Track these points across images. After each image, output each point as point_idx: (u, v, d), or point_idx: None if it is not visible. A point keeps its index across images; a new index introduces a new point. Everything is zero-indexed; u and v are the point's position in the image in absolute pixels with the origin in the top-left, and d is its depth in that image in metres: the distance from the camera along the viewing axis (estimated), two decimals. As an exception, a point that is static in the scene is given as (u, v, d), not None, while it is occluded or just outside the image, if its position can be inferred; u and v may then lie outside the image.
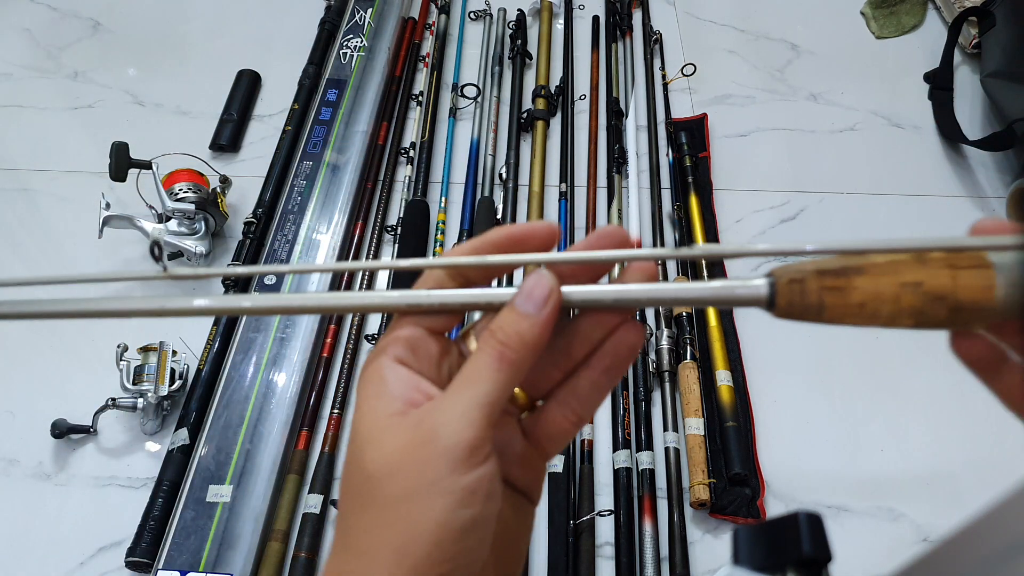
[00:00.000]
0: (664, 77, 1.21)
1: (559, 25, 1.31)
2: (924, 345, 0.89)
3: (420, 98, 1.17)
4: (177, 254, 0.93)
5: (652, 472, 0.80)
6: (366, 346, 0.91)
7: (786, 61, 1.28)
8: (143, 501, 0.77)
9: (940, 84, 1.20)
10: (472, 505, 0.27)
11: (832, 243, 0.27)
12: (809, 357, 0.91)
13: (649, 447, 0.82)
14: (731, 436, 0.82)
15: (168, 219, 0.92)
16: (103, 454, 0.82)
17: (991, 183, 1.11)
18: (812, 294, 0.27)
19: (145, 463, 0.82)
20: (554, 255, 0.30)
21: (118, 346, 0.83)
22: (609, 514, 0.78)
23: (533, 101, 1.16)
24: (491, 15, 1.30)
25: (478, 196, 1.05)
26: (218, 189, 0.96)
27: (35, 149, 1.10)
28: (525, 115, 1.14)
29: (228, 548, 0.72)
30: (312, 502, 0.77)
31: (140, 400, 0.81)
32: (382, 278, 0.98)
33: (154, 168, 0.94)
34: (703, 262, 0.94)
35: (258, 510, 0.75)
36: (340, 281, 0.95)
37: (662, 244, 1.01)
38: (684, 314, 0.90)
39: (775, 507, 0.80)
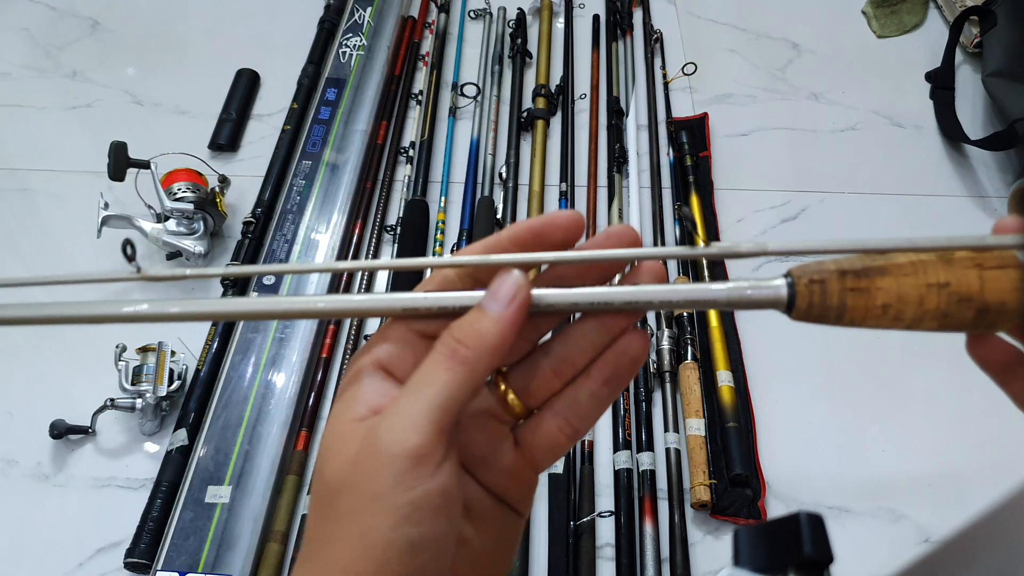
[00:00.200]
0: (665, 76, 1.21)
1: (559, 24, 1.30)
2: (926, 345, 0.89)
3: (420, 97, 1.17)
4: (176, 254, 0.93)
5: (653, 473, 0.80)
6: (368, 337, 0.90)
7: (787, 60, 1.28)
8: (142, 502, 0.77)
9: (941, 83, 1.20)
10: (420, 523, 0.25)
11: (852, 242, 0.26)
12: (810, 358, 0.91)
13: (650, 448, 0.81)
14: (732, 437, 0.82)
15: (167, 219, 0.92)
16: (102, 455, 0.82)
17: (993, 183, 1.11)
18: (834, 295, 0.26)
19: (144, 464, 0.81)
20: (562, 254, 0.28)
21: (117, 346, 0.83)
22: (610, 515, 0.77)
23: (533, 100, 1.16)
24: (491, 14, 1.29)
25: (478, 196, 1.04)
26: (217, 189, 0.96)
27: (33, 149, 1.10)
28: (525, 114, 1.14)
29: (227, 549, 0.72)
30: (311, 503, 0.77)
31: (139, 401, 0.81)
32: (382, 277, 0.97)
33: (153, 168, 0.93)
34: (704, 262, 0.94)
35: (257, 511, 0.75)
36: (339, 281, 0.95)
37: (663, 244, 1.01)
38: (685, 314, 0.90)
39: (776, 508, 0.80)
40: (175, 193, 0.92)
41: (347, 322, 0.92)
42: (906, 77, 1.25)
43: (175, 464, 0.78)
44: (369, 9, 1.24)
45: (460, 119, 1.15)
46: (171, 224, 0.92)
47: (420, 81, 1.21)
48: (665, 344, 0.88)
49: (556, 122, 1.15)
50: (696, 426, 0.82)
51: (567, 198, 1.04)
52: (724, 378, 0.86)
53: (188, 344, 0.87)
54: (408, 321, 0.29)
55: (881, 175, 1.12)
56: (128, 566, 0.73)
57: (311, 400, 0.85)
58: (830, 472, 0.83)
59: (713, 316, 0.92)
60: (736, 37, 1.31)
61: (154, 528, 0.74)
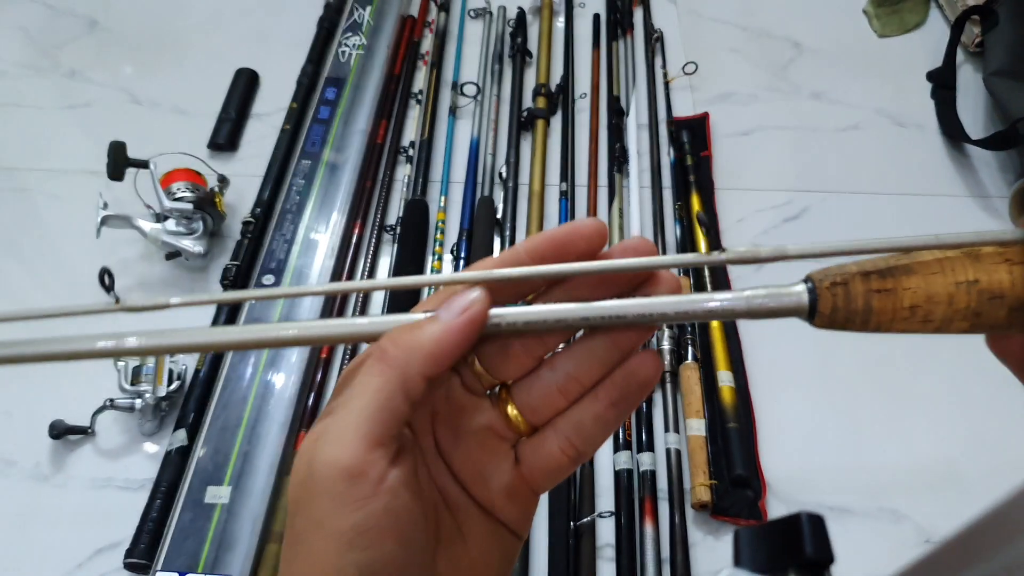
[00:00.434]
0: (665, 75, 1.21)
1: (559, 23, 1.30)
2: (927, 346, 0.89)
3: (419, 96, 1.17)
4: (175, 254, 0.93)
5: (653, 473, 0.79)
6: (364, 347, 0.90)
7: (788, 59, 1.27)
8: (141, 502, 0.76)
9: (943, 83, 1.20)
10: (367, 548, 0.24)
11: (873, 241, 0.25)
12: (811, 358, 0.91)
13: (650, 448, 0.81)
14: (733, 437, 0.81)
15: (166, 218, 0.92)
16: (101, 455, 0.82)
17: (994, 182, 1.11)
18: (858, 298, 0.24)
19: (143, 464, 0.81)
20: (573, 266, 0.26)
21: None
22: (610, 515, 0.77)
23: (533, 99, 1.15)
24: (491, 13, 1.29)
25: (478, 195, 1.04)
26: (216, 188, 0.96)
27: (31, 148, 1.10)
28: (525, 114, 1.14)
29: (226, 550, 0.72)
30: (310, 503, 0.76)
31: (138, 401, 0.81)
32: (382, 277, 0.97)
33: (152, 167, 0.93)
34: (706, 269, 0.94)
35: (256, 511, 0.74)
36: (339, 281, 0.95)
37: (664, 245, 1.00)
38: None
39: (777, 509, 0.80)
40: (174, 193, 0.92)
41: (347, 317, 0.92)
42: (907, 76, 1.24)
43: (174, 464, 0.78)
44: (368, 8, 1.23)
45: (460, 118, 1.15)
46: (170, 224, 0.92)
47: (420, 80, 1.21)
48: (666, 344, 0.87)
49: (556, 121, 1.15)
50: (697, 426, 0.82)
51: (567, 198, 1.04)
52: (725, 378, 0.86)
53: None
54: None
55: (882, 175, 1.12)
56: (127, 566, 0.73)
57: (310, 401, 0.85)
58: (831, 472, 0.83)
59: (714, 316, 0.91)
60: (737, 36, 1.31)
61: (153, 528, 0.74)
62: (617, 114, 1.14)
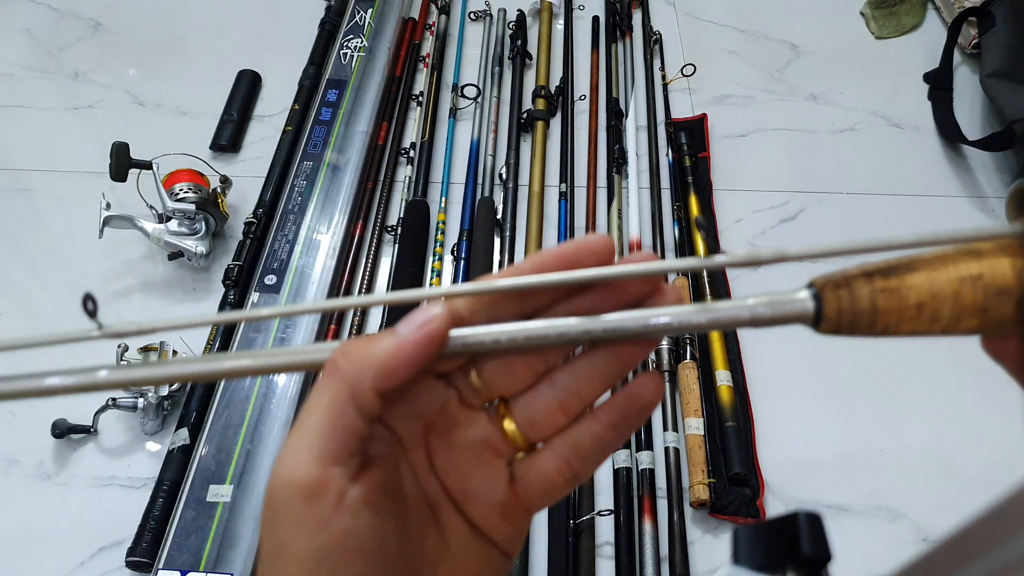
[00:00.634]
0: (664, 77, 1.21)
1: (559, 25, 1.31)
2: (924, 345, 0.90)
3: (420, 98, 1.17)
4: (178, 254, 0.93)
5: (652, 472, 0.80)
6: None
7: (786, 61, 1.28)
8: (143, 501, 0.77)
9: (940, 84, 1.20)
10: (333, 571, 0.23)
11: (872, 240, 0.24)
12: (809, 357, 0.91)
13: (649, 447, 0.82)
14: (731, 436, 0.82)
15: (168, 219, 0.92)
16: (103, 454, 0.82)
17: (991, 183, 1.11)
18: (863, 299, 0.24)
19: (145, 463, 0.82)
20: (572, 274, 0.25)
21: (119, 346, 0.83)
22: (609, 514, 0.78)
23: (533, 101, 1.16)
24: (491, 15, 1.30)
25: (478, 196, 1.05)
26: (218, 189, 0.97)
27: (35, 149, 1.10)
28: (525, 115, 1.14)
29: (228, 548, 0.72)
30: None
31: (140, 400, 0.81)
32: (382, 278, 0.98)
33: (154, 168, 0.94)
34: (704, 273, 0.94)
35: (259, 510, 0.75)
36: (339, 283, 0.95)
37: (662, 246, 1.01)
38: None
39: (775, 507, 0.80)
40: (177, 193, 0.92)
41: (348, 322, 0.93)
42: (904, 78, 1.25)
43: (177, 463, 0.79)
44: (370, 11, 1.24)
45: (460, 120, 1.16)
46: (173, 224, 0.92)
47: (421, 82, 1.22)
48: (664, 344, 0.88)
49: (556, 123, 1.16)
50: (695, 425, 0.82)
51: (567, 199, 1.05)
52: (723, 377, 0.86)
53: (190, 344, 0.87)
54: None
55: (879, 176, 1.13)
56: (130, 565, 0.74)
57: (312, 400, 0.85)
58: (828, 471, 0.84)
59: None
60: (735, 38, 1.32)
61: (156, 527, 0.74)
62: (616, 115, 1.14)
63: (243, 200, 1.04)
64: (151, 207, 0.94)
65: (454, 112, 1.15)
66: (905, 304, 0.24)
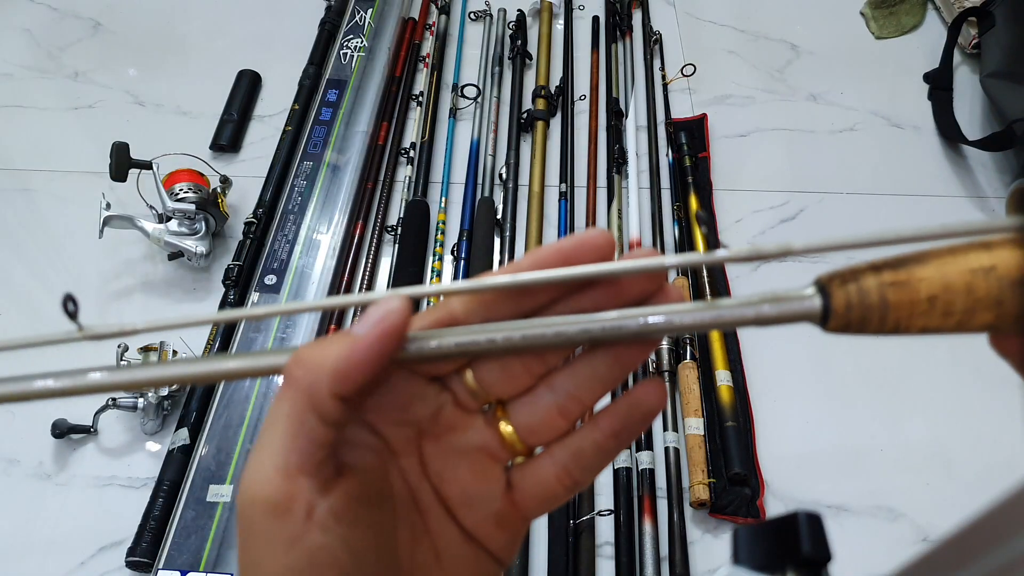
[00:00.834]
0: (664, 77, 1.21)
1: (559, 25, 1.31)
2: (924, 345, 0.90)
3: (420, 98, 1.17)
4: (178, 254, 0.93)
5: (652, 472, 0.80)
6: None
7: (786, 61, 1.28)
8: (143, 501, 0.77)
9: (940, 84, 1.20)
10: None
11: (878, 233, 0.23)
12: (809, 357, 0.91)
13: (649, 447, 0.82)
14: (731, 436, 0.82)
15: (168, 219, 0.92)
16: (103, 454, 0.82)
17: (991, 183, 1.11)
18: (872, 293, 0.23)
19: (145, 463, 0.82)
20: (572, 271, 0.24)
21: (119, 346, 0.83)
22: (609, 514, 0.78)
23: (533, 101, 1.16)
24: (491, 15, 1.30)
25: (478, 196, 1.05)
26: (218, 189, 0.97)
27: (35, 149, 1.10)
28: (525, 115, 1.14)
29: (229, 548, 0.72)
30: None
31: (140, 400, 0.81)
32: (382, 279, 0.98)
33: (154, 168, 0.94)
34: (704, 272, 0.94)
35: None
36: (339, 283, 0.95)
37: (662, 246, 1.01)
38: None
39: (775, 507, 0.80)
40: (177, 193, 0.92)
41: (348, 321, 0.93)
42: (904, 78, 1.25)
43: (177, 463, 0.79)
44: (370, 11, 1.24)
45: (460, 120, 1.16)
46: (173, 224, 0.92)
47: (421, 82, 1.22)
48: (664, 344, 0.88)
49: (556, 123, 1.16)
50: (695, 425, 0.82)
51: (567, 199, 1.05)
52: (723, 377, 0.86)
53: (190, 344, 0.87)
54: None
55: (879, 176, 1.13)
56: (130, 565, 0.74)
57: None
58: (828, 471, 0.84)
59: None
60: (735, 38, 1.32)
61: (156, 527, 0.74)
62: (616, 115, 1.14)
63: (243, 200, 1.04)
64: (151, 207, 0.94)
65: (454, 112, 1.15)
66: (916, 297, 0.23)
